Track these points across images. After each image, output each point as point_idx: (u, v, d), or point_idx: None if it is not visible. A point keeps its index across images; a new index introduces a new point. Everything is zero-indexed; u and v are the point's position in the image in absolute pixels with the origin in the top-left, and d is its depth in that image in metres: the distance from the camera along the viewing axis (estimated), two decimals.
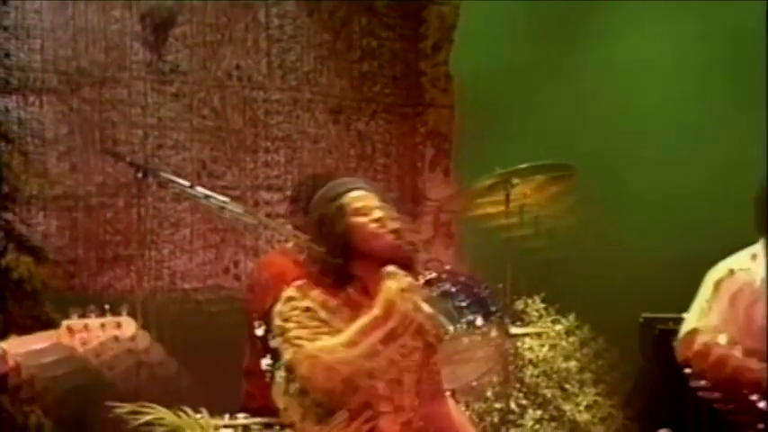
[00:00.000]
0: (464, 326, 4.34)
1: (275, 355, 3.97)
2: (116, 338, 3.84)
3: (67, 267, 5.65)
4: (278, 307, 3.75)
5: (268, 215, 5.84)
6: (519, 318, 5.18)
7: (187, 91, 6.04)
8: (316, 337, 3.68)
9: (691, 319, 4.33)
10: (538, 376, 5.22)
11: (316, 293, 3.75)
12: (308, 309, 3.74)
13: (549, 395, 5.18)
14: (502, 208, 4.96)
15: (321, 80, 6.35)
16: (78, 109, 5.77)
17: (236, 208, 4.34)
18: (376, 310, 3.66)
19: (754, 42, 6.75)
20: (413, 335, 3.74)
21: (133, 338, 3.88)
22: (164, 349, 4.23)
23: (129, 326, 3.84)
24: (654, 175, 6.66)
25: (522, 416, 5.06)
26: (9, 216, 5.27)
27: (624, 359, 5.47)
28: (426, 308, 3.70)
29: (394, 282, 3.63)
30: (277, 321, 3.75)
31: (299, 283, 3.80)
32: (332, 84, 6.37)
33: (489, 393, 5.01)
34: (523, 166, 4.97)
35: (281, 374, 3.80)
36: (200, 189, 4.52)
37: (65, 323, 3.82)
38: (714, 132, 6.74)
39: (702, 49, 7.05)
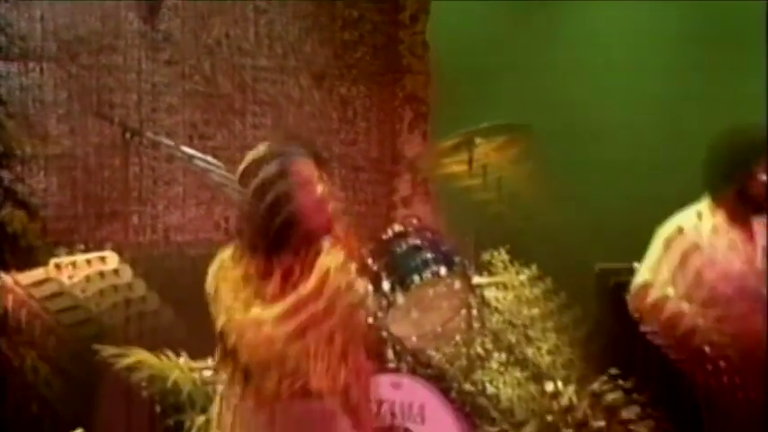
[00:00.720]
0: (429, 276, 4.50)
1: None
2: (101, 274, 3.99)
3: (69, 223, 5.78)
4: (211, 270, 3.63)
5: None
6: (485, 269, 5.33)
7: (179, 58, 6.14)
8: (247, 307, 3.56)
9: (642, 274, 4.54)
10: (503, 323, 5.36)
11: (247, 260, 3.62)
12: (236, 278, 3.61)
13: (513, 340, 5.28)
14: (466, 167, 5.12)
15: (305, 48, 6.46)
16: (77, 75, 5.89)
17: (217, 168, 4.45)
18: (309, 286, 3.55)
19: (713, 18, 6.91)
20: (343, 312, 3.62)
21: (117, 272, 4.04)
22: (158, 298, 4.35)
23: (112, 259, 4.01)
24: (615, 143, 6.87)
25: (488, 359, 5.21)
26: (5, 174, 5.37)
27: (585, 309, 5.65)
28: (359, 286, 3.65)
29: (329, 258, 3.55)
30: (210, 288, 3.62)
31: (231, 249, 3.66)
32: (315, 52, 6.48)
33: (458, 338, 5.17)
34: (485, 125, 5.14)
35: None
36: (185, 149, 4.68)
37: (53, 261, 3.99)
38: (672, 105, 6.96)
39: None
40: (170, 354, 3.94)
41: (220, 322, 3.55)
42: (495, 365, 5.29)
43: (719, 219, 4.46)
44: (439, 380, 4.67)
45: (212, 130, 6.21)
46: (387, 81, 6.75)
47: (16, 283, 3.94)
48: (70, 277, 3.93)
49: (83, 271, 3.94)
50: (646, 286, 4.46)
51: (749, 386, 4.43)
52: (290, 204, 3.55)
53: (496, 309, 5.43)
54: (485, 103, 6.62)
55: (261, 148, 3.66)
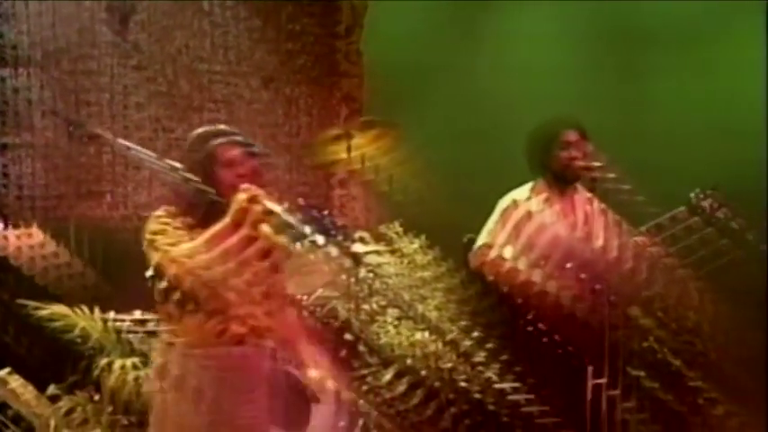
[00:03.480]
0: (308, 245, 4.83)
1: None
2: (30, 246, 4.31)
3: (53, 201, 6.18)
4: (147, 224, 3.73)
5: None
6: (382, 239, 5.55)
7: (146, 64, 6.52)
8: (178, 244, 3.64)
9: (482, 238, 4.94)
10: (398, 285, 5.53)
11: (183, 218, 3.73)
12: (175, 228, 3.69)
13: (407, 297, 5.46)
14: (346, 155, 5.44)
15: (255, 56, 6.83)
16: (58, 78, 6.28)
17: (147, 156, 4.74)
18: (227, 218, 3.62)
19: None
20: (261, 250, 3.63)
21: (42, 245, 4.35)
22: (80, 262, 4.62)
23: (38, 235, 4.32)
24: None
25: (382, 314, 5.44)
26: None
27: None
28: (276, 208, 3.66)
29: (244, 193, 3.62)
30: (146, 235, 3.71)
31: (165, 207, 3.76)
32: (264, 59, 6.86)
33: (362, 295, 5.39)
34: (362, 119, 5.43)
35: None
36: (120, 141, 5.00)
37: None
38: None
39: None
40: (83, 308, 4.24)
41: (155, 259, 3.64)
42: (389, 320, 5.48)
43: (548, 194, 4.81)
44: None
45: (174, 124, 6.55)
46: (325, 83, 7.05)
47: None
48: (3, 248, 4.27)
49: (12, 243, 4.28)
50: (484, 247, 4.84)
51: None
52: (217, 183, 3.71)
53: (392, 273, 5.64)
54: (415, 101, 6.80)
55: (196, 131, 3.89)
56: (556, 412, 4.91)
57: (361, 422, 4.93)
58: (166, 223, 3.73)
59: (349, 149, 5.39)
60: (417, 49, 7.00)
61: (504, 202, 4.94)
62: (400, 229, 5.75)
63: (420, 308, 5.55)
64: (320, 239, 4.93)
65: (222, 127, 3.92)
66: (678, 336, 5.27)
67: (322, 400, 4.43)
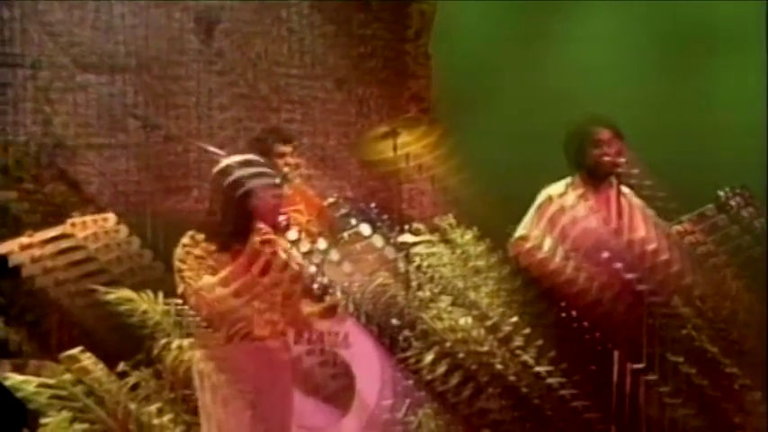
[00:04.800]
0: (353, 235, 5.02)
1: None
2: (105, 231, 4.52)
3: (144, 196, 6.50)
4: (176, 251, 4.13)
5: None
6: (435, 230, 5.61)
7: (228, 69, 6.81)
8: (200, 276, 4.04)
9: (519, 230, 5.07)
10: (452, 272, 5.58)
11: (206, 245, 4.11)
12: (197, 256, 4.08)
13: (460, 285, 5.45)
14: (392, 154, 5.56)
15: (329, 60, 7.06)
16: (150, 83, 6.60)
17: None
18: (242, 258, 4.03)
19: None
20: (277, 272, 4.06)
21: (116, 230, 4.58)
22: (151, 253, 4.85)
23: (112, 219, 4.56)
24: None
25: (436, 301, 5.51)
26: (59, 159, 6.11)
27: None
28: (291, 238, 4.20)
29: (257, 235, 4.03)
30: (175, 262, 4.11)
31: (192, 233, 4.15)
32: (337, 63, 7.09)
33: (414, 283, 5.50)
34: (407, 115, 5.52)
35: None
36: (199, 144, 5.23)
37: (69, 220, 4.57)
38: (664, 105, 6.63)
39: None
40: (148, 292, 4.48)
41: (180, 289, 4.09)
42: (443, 306, 5.50)
43: (583, 190, 4.88)
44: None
45: (254, 123, 6.77)
46: (395, 84, 7.23)
47: (32, 240, 4.50)
48: (82, 231, 4.49)
49: (91, 228, 4.52)
50: (521, 239, 4.95)
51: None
52: (252, 205, 4.08)
53: (445, 262, 5.65)
54: (483, 102, 6.83)
55: (234, 159, 4.22)
56: (587, 397, 5.00)
57: (407, 401, 5.08)
58: (189, 252, 4.10)
59: (395, 147, 5.52)
60: (487, 49, 7.02)
61: (540, 197, 5.06)
62: (453, 221, 5.79)
63: (472, 295, 5.56)
64: (366, 230, 5.14)
65: (250, 157, 4.23)
66: (715, 324, 5.28)
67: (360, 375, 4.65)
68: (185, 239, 4.13)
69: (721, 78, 6.66)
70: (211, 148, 5.37)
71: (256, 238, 4.03)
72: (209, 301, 4.01)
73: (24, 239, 4.46)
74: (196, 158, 6.61)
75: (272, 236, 4.07)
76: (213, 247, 4.11)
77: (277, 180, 4.26)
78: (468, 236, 5.65)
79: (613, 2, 6.98)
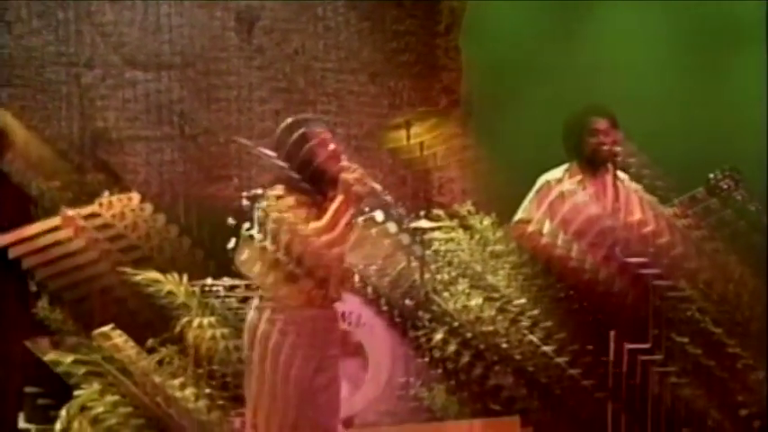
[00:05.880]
0: (368, 221, 5.15)
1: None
2: (132, 210, 4.69)
3: (188, 185, 6.69)
4: (269, 203, 4.06)
5: None
6: (455, 216, 5.69)
7: (267, 64, 6.93)
8: (305, 223, 4.01)
9: (519, 214, 5.14)
10: (470, 256, 5.66)
11: (292, 199, 4.09)
12: (291, 206, 4.03)
13: (478, 269, 5.59)
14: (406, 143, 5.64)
15: (363, 54, 7.09)
16: (194, 78, 6.81)
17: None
18: (339, 197, 4.05)
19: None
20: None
21: (142, 208, 4.74)
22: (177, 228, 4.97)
23: (136, 197, 4.72)
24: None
25: (453, 284, 5.60)
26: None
27: None
28: (377, 186, 4.20)
29: (348, 173, 4.10)
30: (273, 213, 4.01)
31: (278, 187, 4.14)
32: (370, 57, 7.12)
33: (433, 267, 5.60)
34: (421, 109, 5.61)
35: (255, 246, 4.04)
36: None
37: (97, 200, 4.74)
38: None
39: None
40: (174, 274, 4.65)
41: (285, 238, 3.99)
42: (461, 287, 5.58)
43: (581, 176, 4.92)
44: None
45: (291, 114, 6.57)
46: (426, 77, 7.17)
47: (78, 215, 4.71)
48: (109, 209, 4.67)
49: (117, 207, 4.68)
50: (521, 222, 5.02)
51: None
52: (316, 157, 4.16)
53: (464, 246, 5.72)
54: (515, 98, 6.81)
55: (288, 121, 4.39)
56: (594, 377, 5.05)
57: (419, 378, 5.20)
58: (283, 203, 4.05)
59: (408, 137, 5.61)
60: (514, 48, 7.00)
61: (539, 183, 5.11)
62: (472, 208, 5.85)
63: (490, 278, 5.62)
64: (379, 216, 5.25)
65: (307, 115, 4.45)
66: (720, 306, 5.29)
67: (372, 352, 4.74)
68: (275, 192, 4.13)
69: (745, 76, 6.62)
70: (243, 140, 5.53)
71: (347, 176, 4.06)
72: (319, 248, 3.96)
73: (66, 213, 4.62)
74: (237, 148, 6.81)
75: (362, 171, 4.10)
76: (303, 198, 4.10)
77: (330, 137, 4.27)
78: (487, 222, 5.73)
79: (640, 1, 6.95)
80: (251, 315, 4.15)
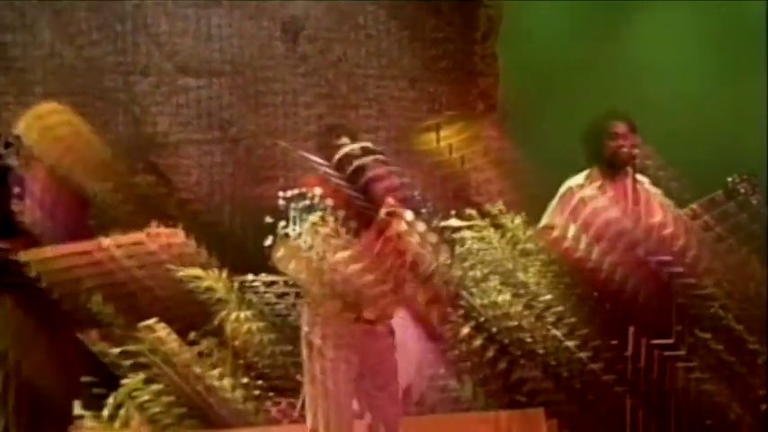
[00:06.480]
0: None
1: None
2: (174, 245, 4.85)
3: (235, 187, 6.89)
4: (305, 229, 3.96)
5: None
6: (486, 216, 5.73)
7: (311, 71, 7.10)
8: (331, 253, 3.93)
9: (543, 219, 5.17)
10: (501, 254, 5.68)
11: (335, 225, 3.97)
12: (326, 235, 3.94)
13: (510, 266, 5.59)
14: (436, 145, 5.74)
15: (403, 61, 7.20)
16: (242, 85, 7.00)
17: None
18: (370, 234, 4.02)
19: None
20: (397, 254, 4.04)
21: (186, 244, 4.90)
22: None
23: (180, 234, 4.88)
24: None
25: (485, 281, 5.66)
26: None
27: None
28: (410, 218, 4.11)
29: (384, 207, 4.04)
30: (308, 240, 3.95)
31: (321, 213, 3.98)
32: (410, 63, 7.22)
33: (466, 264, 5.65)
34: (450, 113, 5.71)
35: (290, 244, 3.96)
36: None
37: (146, 230, 4.91)
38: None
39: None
40: (214, 270, 4.81)
41: (311, 268, 3.98)
42: (492, 284, 5.63)
43: (601, 181, 4.98)
44: None
45: (335, 119, 6.95)
46: (464, 83, 7.24)
47: (114, 244, 4.86)
48: (155, 241, 4.84)
49: (163, 240, 4.85)
50: (546, 227, 5.06)
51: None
52: (375, 187, 4.10)
53: (495, 245, 5.75)
54: (554, 100, 6.81)
55: (354, 147, 4.22)
56: (615, 372, 5.10)
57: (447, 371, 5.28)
58: (317, 231, 3.97)
59: (437, 140, 5.70)
60: (553, 50, 7.00)
61: (562, 189, 5.17)
62: (503, 207, 5.88)
63: (521, 276, 5.66)
64: (408, 215, 5.32)
65: (369, 145, 4.25)
66: (741, 304, 5.31)
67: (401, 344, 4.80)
68: (314, 218, 4.01)
69: None
70: (283, 143, 5.68)
71: (383, 210, 4.04)
72: (344, 279, 3.94)
73: (104, 241, 4.80)
74: (281, 151, 6.97)
75: (397, 208, 4.06)
76: (343, 229, 3.99)
77: (395, 168, 4.22)
78: (518, 221, 5.78)
79: (679, 2, 6.94)
80: (305, 321, 4.14)
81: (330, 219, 3.99)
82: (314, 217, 4.03)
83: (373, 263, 3.99)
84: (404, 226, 4.11)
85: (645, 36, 7.01)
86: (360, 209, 4.03)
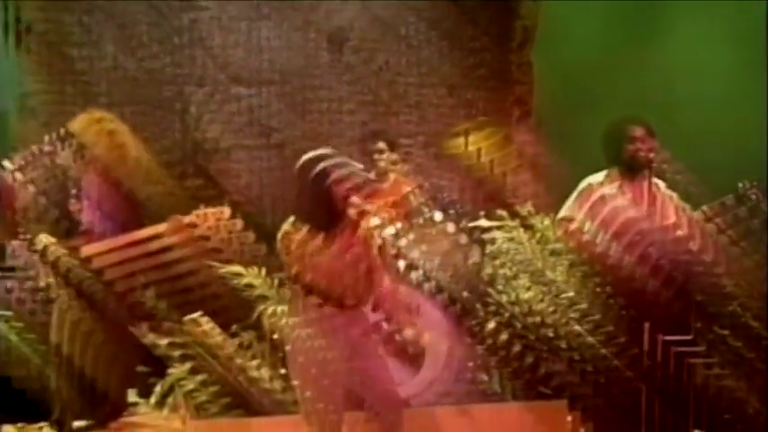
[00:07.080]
0: (427, 221, 5.39)
1: None
2: (225, 225, 5.04)
3: (282, 188, 6.93)
4: (281, 237, 4.15)
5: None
6: (516, 216, 5.82)
7: (355, 79, 7.32)
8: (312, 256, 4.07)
9: (562, 212, 5.29)
10: (531, 254, 5.76)
11: (306, 231, 4.12)
12: (300, 241, 4.08)
13: (539, 265, 5.57)
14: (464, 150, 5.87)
15: (442, 69, 7.40)
16: (290, 93, 7.19)
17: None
18: (343, 236, 4.07)
19: None
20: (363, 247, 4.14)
21: (234, 222, 5.08)
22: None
23: (228, 211, 5.05)
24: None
25: (515, 279, 5.67)
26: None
27: None
28: (376, 221, 4.25)
29: (353, 208, 4.09)
30: (280, 247, 4.15)
31: (292, 220, 4.17)
32: (449, 72, 7.41)
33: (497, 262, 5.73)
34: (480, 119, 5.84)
35: None
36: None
37: (194, 212, 5.09)
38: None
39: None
40: (254, 267, 5.01)
41: (294, 269, 4.14)
42: (522, 281, 5.71)
43: (620, 182, 5.06)
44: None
45: (377, 125, 7.19)
46: (500, 90, 7.42)
47: (186, 223, 5.08)
48: (205, 221, 5.04)
49: (211, 220, 5.06)
50: (564, 220, 5.16)
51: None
52: (339, 189, 4.11)
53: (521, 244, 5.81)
54: (588, 101, 6.77)
55: (313, 153, 4.25)
56: (634, 366, 5.18)
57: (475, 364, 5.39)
58: (291, 238, 4.14)
59: (466, 145, 5.82)
60: (590, 54, 7.01)
61: (581, 185, 5.27)
62: (532, 209, 5.96)
63: (549, 274, 5.73)
64: (438, 216, 5.48)
65: (326, 151, 4.25)
66: (758, 302, 5.35)
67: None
68: (287, 226, 4.16)
69: None
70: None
71: (352, 210, 4.07)
72: (326, 270, 4.02)
73: (160, 228, 5.04)
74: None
75: (366, 207, 4.10)
76: (313, 234, 4.10)
77: (357, 167, 4.23)
78: (547, 222, 5.85)
79: (715, 4, 6.90)
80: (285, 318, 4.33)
81: (301, 226, 4.10)
82: (287, 225, 4.17)
83: (351, 256, 4.05)
84: (374, 222, 4.18)
85: (678, 40, 7.02)
86: (327, 210, 4.06)
